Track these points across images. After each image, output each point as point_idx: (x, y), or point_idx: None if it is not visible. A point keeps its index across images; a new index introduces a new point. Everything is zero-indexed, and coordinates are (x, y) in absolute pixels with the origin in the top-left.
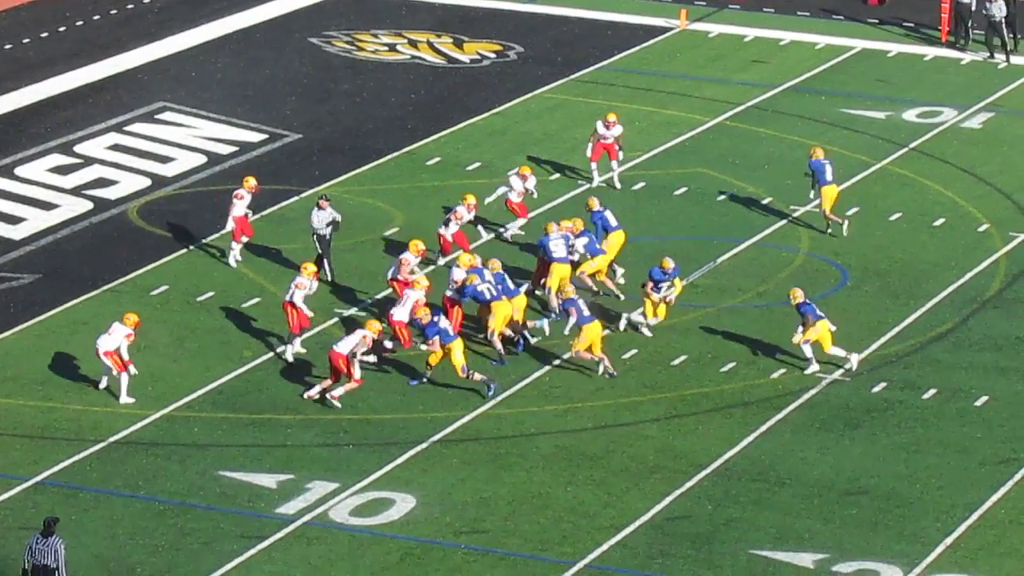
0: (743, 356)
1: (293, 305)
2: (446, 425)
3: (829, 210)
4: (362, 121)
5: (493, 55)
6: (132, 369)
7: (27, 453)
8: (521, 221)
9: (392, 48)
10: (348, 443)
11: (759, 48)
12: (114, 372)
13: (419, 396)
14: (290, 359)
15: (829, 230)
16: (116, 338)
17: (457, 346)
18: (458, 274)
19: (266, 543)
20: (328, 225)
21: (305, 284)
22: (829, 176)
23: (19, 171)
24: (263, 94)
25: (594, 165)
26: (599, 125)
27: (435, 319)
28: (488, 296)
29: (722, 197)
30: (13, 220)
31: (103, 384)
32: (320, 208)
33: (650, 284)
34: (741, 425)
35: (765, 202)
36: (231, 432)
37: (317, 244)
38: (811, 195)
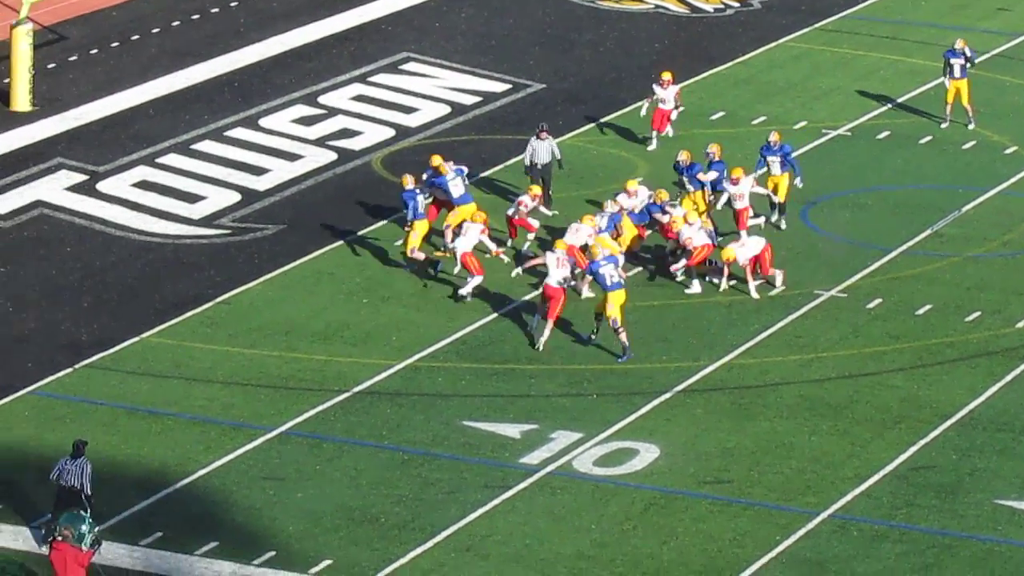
0: (988, 305)
1: (512, 220)
2: (689, 375)
3: (966, 101)
4: (605, 71)
5: (737, 4)
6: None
7: (271, 403)
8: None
9: None
10: (592, 393)
11: None
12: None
13: (662, 346)
14: (506, 259)
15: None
16: (471, 236)
17: (616, 296)
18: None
19: (510, 493)
20: (550, 157)
21: (527, 203)
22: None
23: (263, 122)
24: (506, 44)
25: (654, 133)
26: (655, 87)
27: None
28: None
29: (967, 145)
30: (258, 171)
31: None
32: (539, 139)
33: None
34: (986, 375)
35: (1010, 151)
36: (475, 382)
37: (533, 176)
38: (945, 81)
